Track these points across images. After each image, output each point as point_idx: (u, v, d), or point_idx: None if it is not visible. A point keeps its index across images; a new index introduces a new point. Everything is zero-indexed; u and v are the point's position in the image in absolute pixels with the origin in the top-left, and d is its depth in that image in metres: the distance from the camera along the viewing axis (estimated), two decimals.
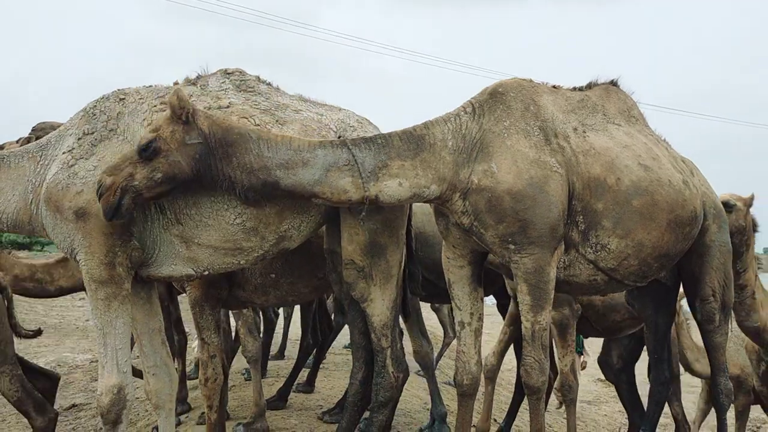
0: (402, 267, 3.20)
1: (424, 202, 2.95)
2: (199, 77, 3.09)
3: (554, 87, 3.31)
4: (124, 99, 2.93)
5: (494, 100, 3.04)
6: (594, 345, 6.26)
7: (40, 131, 4.28)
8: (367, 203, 2.78)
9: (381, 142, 2.80)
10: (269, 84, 3.18)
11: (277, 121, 2.95)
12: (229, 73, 3.11)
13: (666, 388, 4.00)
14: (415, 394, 5.68)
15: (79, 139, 2.84)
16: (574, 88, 3.39)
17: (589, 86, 3.44)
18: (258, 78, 3.16)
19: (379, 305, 3.09)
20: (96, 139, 2.84)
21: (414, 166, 2.80)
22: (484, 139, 2.94)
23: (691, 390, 6.64)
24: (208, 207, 2.78)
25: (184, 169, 2.62)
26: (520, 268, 2.92)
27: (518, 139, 2.95)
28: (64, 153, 2.84)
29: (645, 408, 4.60)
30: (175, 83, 3.08)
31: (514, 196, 2.84)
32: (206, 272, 2.92)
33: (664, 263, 3.34)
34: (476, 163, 2.90)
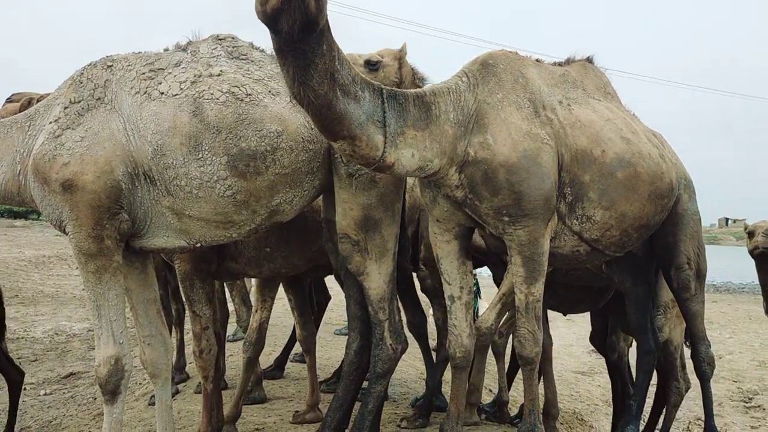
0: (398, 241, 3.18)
1: (423, 176, 2.87)
2: (189, 43, 2.98)
3: (537, 61, 3.33)
4: (111, 66, 2.84)
5: (486, 71, 3.00)
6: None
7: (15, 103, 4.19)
8: (381, 167, 2.64)
9: (402, 102, 2.66)
10: (263, 51, 3.07)
11: (269, 91, 2.86)
12: (221, 39, 3.00)
13: (653, 357, 4.04)
14: (411, 364, 5.73)
15: (65, 108, 2.75)
16: (554, 63, 3.42)
17: (568, 62, 3.48)
18: (251, 44, 3.06)
19: (376, 279, 3.07)
20: (83, 108, 2.75)
21: (424, 138, 2.72)
22: (479, 111, 2.90)
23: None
24: (198, 179, 2.72)
25: (323, 8, 2.16)
26: (515, 240, 2.91)
27: (511, 111, 2.92)
28: (50, 123, 2.75)
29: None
30: (165, 50, 2.99)
31: (510, 168, 2.82)
32: (198, 244, 2.88)
33: (643, 234, 3.43)
34: (472, 135, 2.86)
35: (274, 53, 3.08)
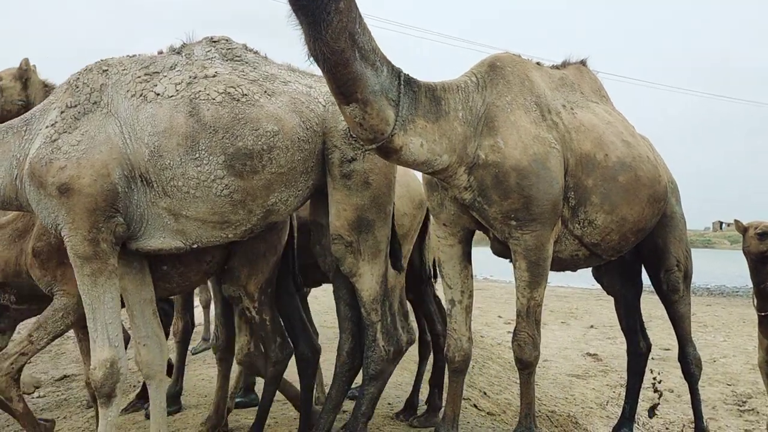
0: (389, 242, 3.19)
1: (430, 173, 2.87)
2: (184, 45, 3.01)
3: (537, 63, 3.34)
4: (107, 70, 2.86)
5: (494, 73, 3.01)
6: (574, 331, 6.30)
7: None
8: (388, 149, 2.61)
9: (416, 90, 2.66)
10: (257, 52, 3.10)
11: (265, 92, 2.89)
12: (215, 41, 3.03)
13: (643, 359, 4.06)
14: (406, 367, 5.72)
15: (62, 112, 2.78)
16: (551, 66, 3.44)
17: (564, 65, 3.51)
18: (245, 46, 3.09)
19: (368, 280, 3.09)
20: (79, 113, 2.77)
21: (434, 131, 2.71)
22: (489, 113, 2.89)
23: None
24: (195, 179, 2.74)
25: None
26: (521, 245, 2.90)
27: (520, 114, 2.93)
28: (47, 127, 2.78)
29: None
30: (159, 52, 3.01)
31: (520, 172, 2.81)
32: (195, 245, 2.90)
33: (639, 237, 3.44)
34: (482, 137, 2.85)
35: (266, 55, 3.12)
